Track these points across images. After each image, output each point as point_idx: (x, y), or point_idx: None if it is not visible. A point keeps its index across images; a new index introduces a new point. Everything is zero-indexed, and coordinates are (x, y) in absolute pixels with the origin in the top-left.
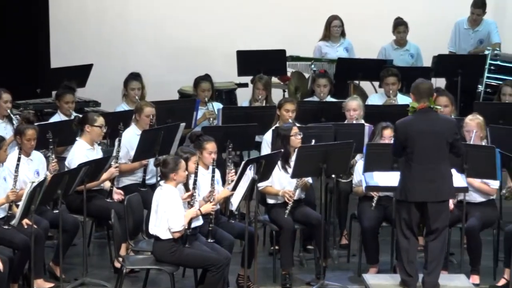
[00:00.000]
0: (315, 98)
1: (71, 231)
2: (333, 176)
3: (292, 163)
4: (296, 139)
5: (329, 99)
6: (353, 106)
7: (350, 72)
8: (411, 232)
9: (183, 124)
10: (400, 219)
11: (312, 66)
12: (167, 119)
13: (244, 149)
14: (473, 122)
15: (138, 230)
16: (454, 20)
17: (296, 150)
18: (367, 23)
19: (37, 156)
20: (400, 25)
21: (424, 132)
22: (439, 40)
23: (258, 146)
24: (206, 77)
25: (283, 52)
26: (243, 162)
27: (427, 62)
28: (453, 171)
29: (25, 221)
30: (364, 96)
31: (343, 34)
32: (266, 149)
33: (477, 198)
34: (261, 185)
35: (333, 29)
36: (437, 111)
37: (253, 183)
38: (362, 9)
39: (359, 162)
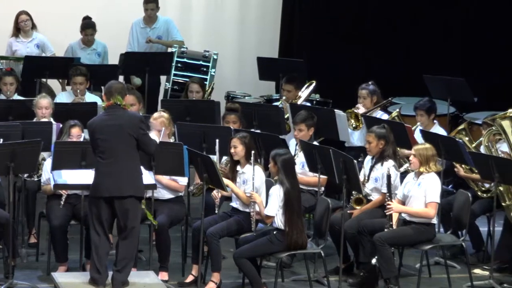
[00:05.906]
0: (2, 97)
1: None
2: (21, 175)
3: None
4: None
5: (16, 97)
6: (44, 104)
7: (37, 70)
8: (102, 228)
9: None
10: (91, 214)
11: None
12: None
13: None
14: (158, 121)
15: None
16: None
17: None
18: (57, 20)
19: None
20: (88, 28)
21: (109, 127)
22: (126, 38)
23: None
24: None
25: None
26: None
27: (114, 60)
28: (141, 168)
29: None
30: (52, 94)
31: (34, 28)
32: None
33: (166, 195)
34: None
35: (21, 24)
36: (126, 108)
37: None
38: (50, 6)
39: (48, 160)
